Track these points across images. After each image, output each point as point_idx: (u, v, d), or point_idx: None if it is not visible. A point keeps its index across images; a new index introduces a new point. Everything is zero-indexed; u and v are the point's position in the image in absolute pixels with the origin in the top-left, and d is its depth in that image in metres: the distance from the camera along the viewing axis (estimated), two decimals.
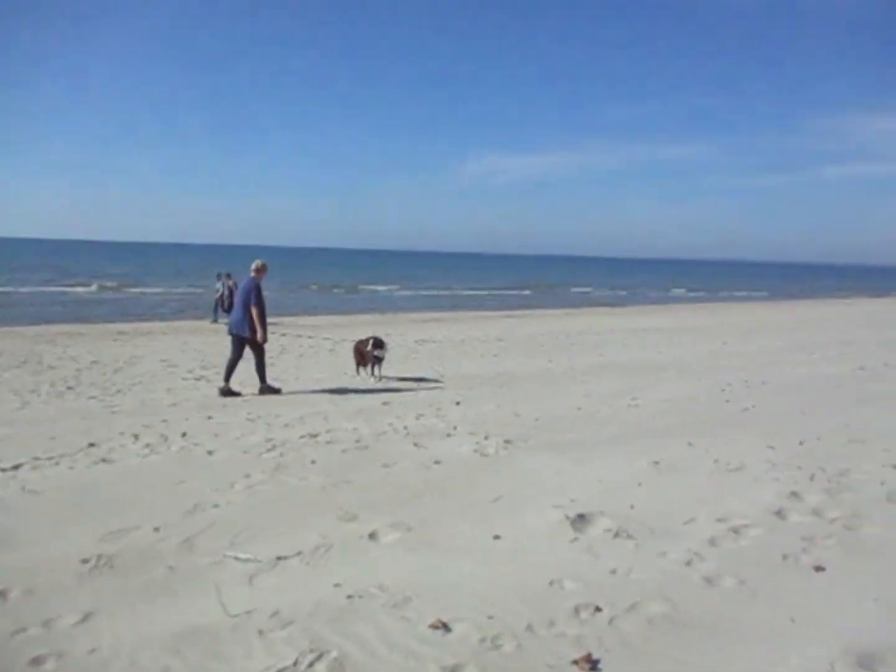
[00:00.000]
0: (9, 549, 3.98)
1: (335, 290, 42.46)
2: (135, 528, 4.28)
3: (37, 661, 2.81)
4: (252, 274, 9.65)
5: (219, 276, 21.08)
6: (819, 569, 3.57)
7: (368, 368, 10.79)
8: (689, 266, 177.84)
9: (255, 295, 9.37)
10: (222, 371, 9.63)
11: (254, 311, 9.33)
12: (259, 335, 9.39)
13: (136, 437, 6.83)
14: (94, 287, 36.80)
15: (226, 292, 20.35)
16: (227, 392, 9.35)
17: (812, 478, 5.18)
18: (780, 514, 4.42)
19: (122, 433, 6.98)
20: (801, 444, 6.25)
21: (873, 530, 4.10)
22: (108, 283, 39.05)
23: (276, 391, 9.61)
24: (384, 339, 11.08)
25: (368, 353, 10.62)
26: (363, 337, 11.21)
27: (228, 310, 20.11)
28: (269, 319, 9.74)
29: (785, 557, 3.73)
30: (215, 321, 20.68)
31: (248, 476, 5.44)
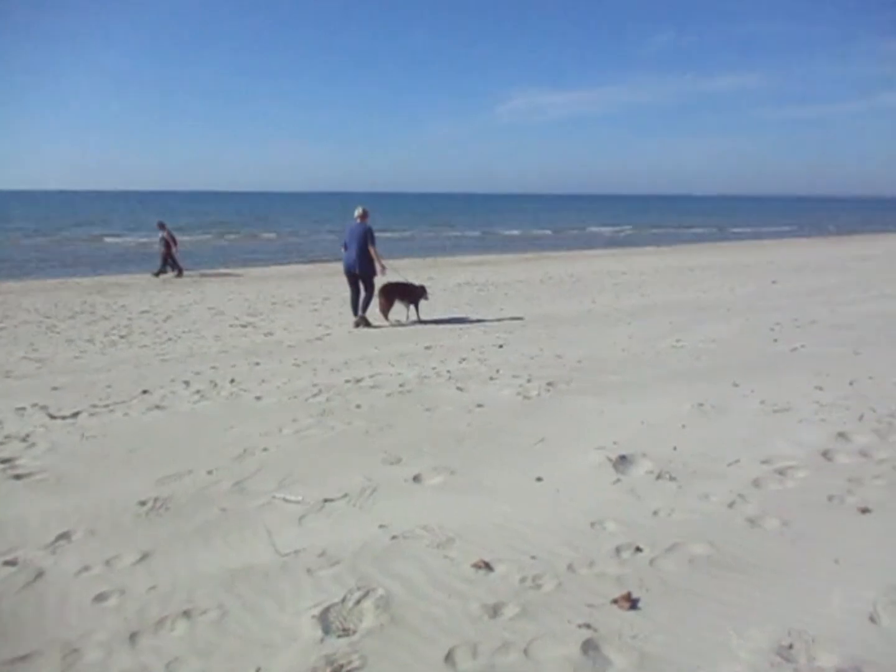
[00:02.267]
0: (72, 492, 4.18)
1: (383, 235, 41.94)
2: (188, 471, 4.44)
3: (100, 597, 2.97)
4: (358, 220, 10.81)
5: (161, 227, 19.89)
6: (865, 510, 3.53)
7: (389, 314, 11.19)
8: (742, 203, 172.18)
9: (371, 237, 10.68)
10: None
11: (373, 251, 10.64)
12: (379, 269, 10.73)
13: (187, 383, 7.03)
14: (130, 238, 37.04)
15: (161, 242, 19.58)
16: (363, 322, 10.75)
17: (861, 418, 5.09)
18: (826, 455, 4.36)
19: (173, 380, 7.19)
20: (851, 384, 6.11)
21: None
22: (141, 238, 38.88)
23: (369, 325, 10.75)
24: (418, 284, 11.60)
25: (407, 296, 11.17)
26: (395, 281, 11.27)
27: (164, 260, 19.56)
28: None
29: (830, 499, 3.70)
30: (162, 272, 19.50)
31: (295, 420, 5.57)
